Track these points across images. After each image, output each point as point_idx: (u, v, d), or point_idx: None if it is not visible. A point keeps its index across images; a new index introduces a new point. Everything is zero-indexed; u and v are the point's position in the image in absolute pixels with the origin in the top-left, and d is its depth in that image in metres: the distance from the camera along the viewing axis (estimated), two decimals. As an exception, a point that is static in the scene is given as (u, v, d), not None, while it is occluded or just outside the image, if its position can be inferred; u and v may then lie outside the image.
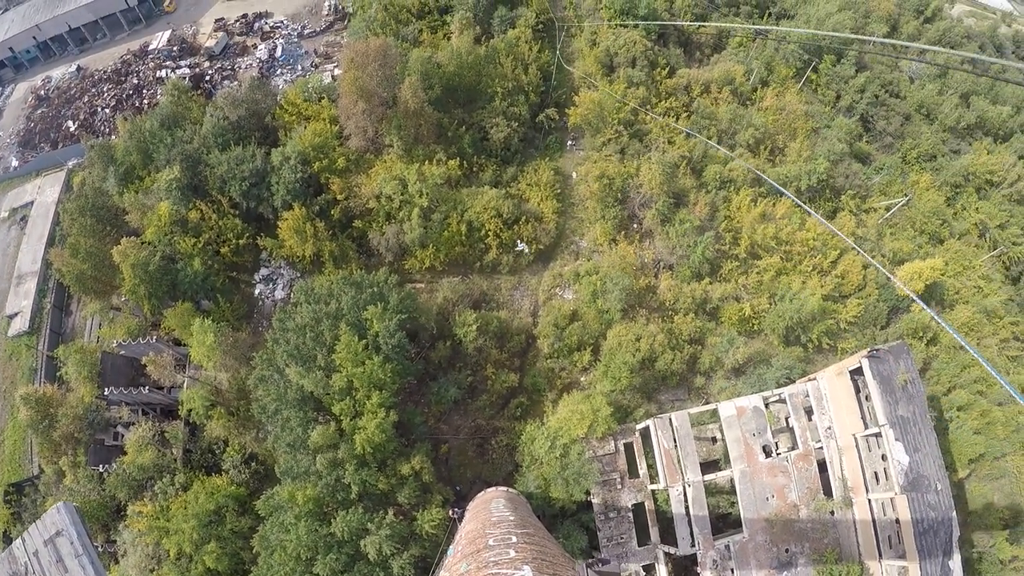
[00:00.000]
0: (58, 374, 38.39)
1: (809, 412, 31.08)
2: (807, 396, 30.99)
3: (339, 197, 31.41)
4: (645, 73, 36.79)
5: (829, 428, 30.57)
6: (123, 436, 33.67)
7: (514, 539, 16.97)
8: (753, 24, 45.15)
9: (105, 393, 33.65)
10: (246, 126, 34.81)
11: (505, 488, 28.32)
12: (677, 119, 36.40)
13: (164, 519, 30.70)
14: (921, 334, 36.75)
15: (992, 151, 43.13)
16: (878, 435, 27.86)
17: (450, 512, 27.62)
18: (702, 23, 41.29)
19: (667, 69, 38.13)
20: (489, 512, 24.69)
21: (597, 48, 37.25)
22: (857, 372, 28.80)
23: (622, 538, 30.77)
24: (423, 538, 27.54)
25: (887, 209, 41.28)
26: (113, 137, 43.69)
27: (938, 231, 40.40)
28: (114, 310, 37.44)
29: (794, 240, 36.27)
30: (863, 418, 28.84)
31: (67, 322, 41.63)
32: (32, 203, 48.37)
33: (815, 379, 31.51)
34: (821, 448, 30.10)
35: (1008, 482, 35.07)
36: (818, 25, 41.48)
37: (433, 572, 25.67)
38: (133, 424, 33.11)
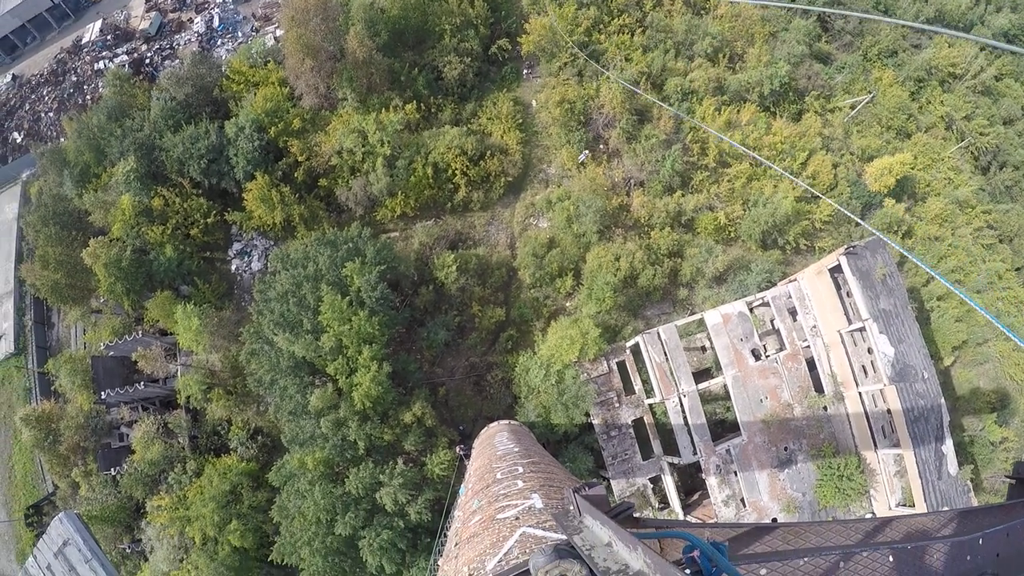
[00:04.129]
0: (53, 388, 38.19)
1: (793, 313, 31.63)
2: (790, 297, 31.47)
3: (300, 159, 30.79)
4: (596, -6, 35.79)
5: (814, 327, 31.15)
6: (128, 436, 33.78)
7: (520, 470, 17.21)
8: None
9: (102, 397, 33.58)
10: (195, 103, 33.78)
11: (507, 421, 28.73)
12: (632, 36, 35.63)
13: (183, 508, 31.07)
14: (896, 228, 37.19)
15: (952, 44, 42.80)
16: (862, 329, 28.40)
17: (457, 451, 28.08)
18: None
19: (617, -13, 37.07)
20: (494, 447, 25.09)
21: (542, -28, 36.09)
22: (836, 270, 29.15)
23: (626, 454, 31.54)
24: (435, 481, 28.11)
25: (852, 107, 41.14)
26: (62, 140, 42.34)
27: (905, 126, 40.56)
28: (95, 313, 37.00)
29: (762, 145, 36.06)
30: (846, 314, 29.35)
31: (51, 335, 41.17)
32: (-7, 223, 47.15)
33: (796, 280, 31.91)
34: (808, 347, 30.78)
35: (992, 367, 36.21)
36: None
37: (448, 512, 26.20)
38: (136, 422, 33.15)
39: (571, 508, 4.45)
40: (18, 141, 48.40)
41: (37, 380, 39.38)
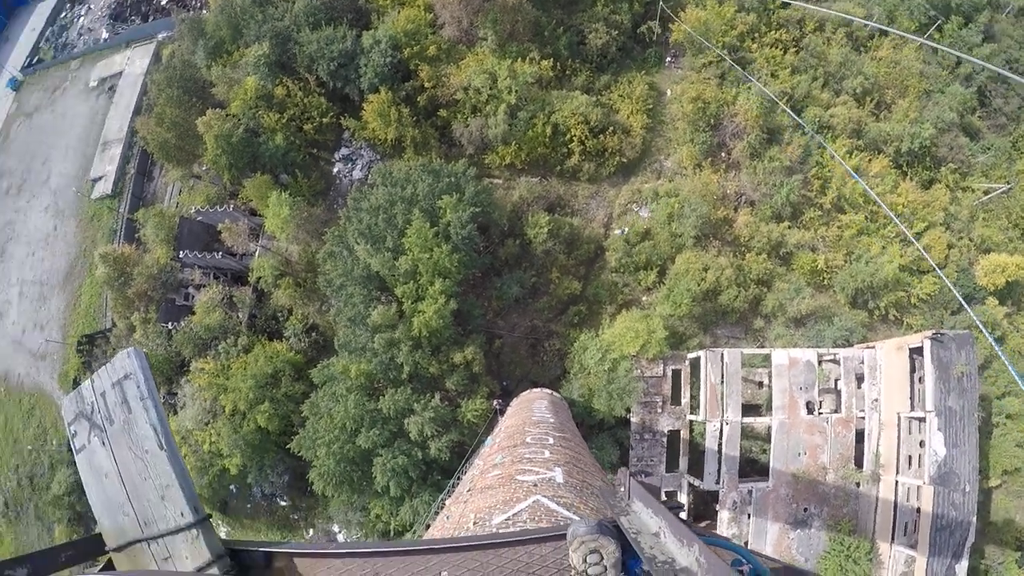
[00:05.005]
0: (136, 236, 40.42)
1: (860, 379, 30.44)
2: (862, 363, 30.21)
3: (427, 85, 31.06)
4: (759, 0, 34.49)
5: (876, 400, 29.91)
6: (193, 297, 35.44)
7: (551, 440, 17.10)
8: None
9: (180, 256, 35.28)
10: (339, 6, 34.49)
11: (550, 391, 28.68)
12: (785, 53, 34.20)
13: (224, 377, 32.48)
14: (991, 328, 34.77)
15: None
16: (922, 420, 27.18)
17: (494, 404, 28.22)
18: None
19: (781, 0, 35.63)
20: (531, 411, 25.08)
21: (710, -35, 34.98)
22: (917, 351, 27.89)
23: (652, 461, 31.09)
24: (464, 425, 28.38)
25: (985, 193, 38.47)
26: (204, 12, 44.14)
27: (1033, 229, 37.59)
28: (195, 178, 38.79)
29: (884, 201, 34.24)
30: (911, 399, 28.02)
31: (148, 187, 43.49)
32: (121, 74, 49.91)
33: (874, 348, 30.58)
34: (863, 418, 29.65)
35: (1035, 506, 33.61)
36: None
37: (468, 457, 26.45)
38: (204, 287, 34.76)
39: (621, 490, 4.39)
40: (162, 3, 50.86)
41: (124, 225, 41.77)
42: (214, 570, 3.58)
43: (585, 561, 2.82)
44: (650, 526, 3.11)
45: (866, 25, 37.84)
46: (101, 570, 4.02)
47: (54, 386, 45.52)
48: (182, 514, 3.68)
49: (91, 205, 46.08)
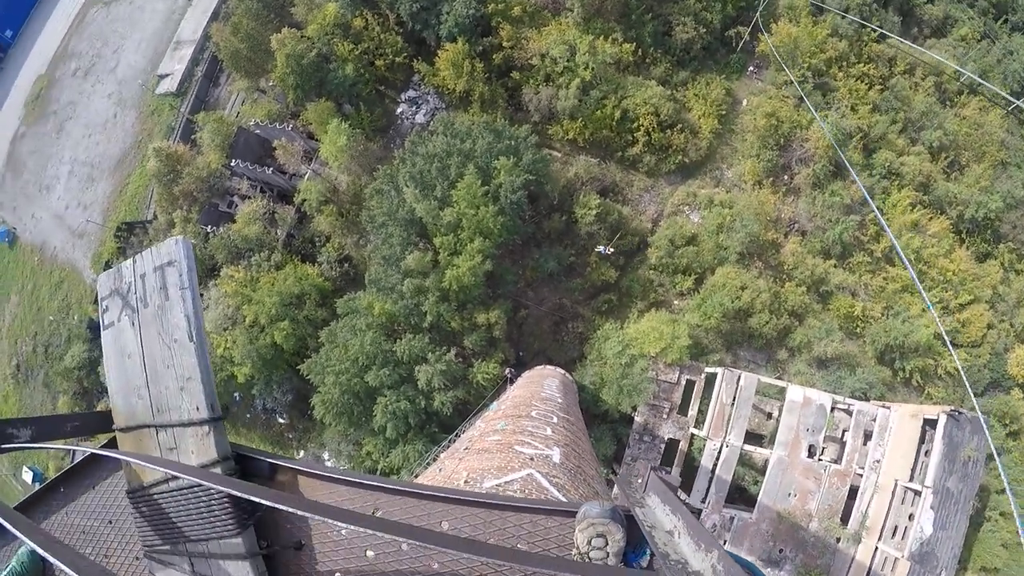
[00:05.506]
0: (192, 137, 41.09)
1: (867, 436, 30.08)
2: (873, 420, 29.87)
3: (505, 44, 30.87)
4: (854, 28, 33.49)
5: (877, 461, 29.60)
6: (237, 206, 36.10)
7: (555, 420, 17.23)
8: (983, 23, 39.93)
9: (232, 164, 35.85)
10: (434, -51, 34.24)
11: (563, 372, 28.87)
12: (869, 89, 33.31)
13: (251, 289, 33.18)
14: (1008, 421, 34.00)
15: None
16: (918, 493, 26.92)
17: (506, 372, 28.51)
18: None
19: (878, 32, 34.58)
20: (541, 387, 25.27)
21: (813, -19, 34.07)
22: (931, 423, 27.52)
23: (645, 463, 31.28)
24: (472, 385, 28.74)
25: (1039, 281, 37.22)
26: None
27: (1081, 330, 36.32)
28: (259, 92, 39.25)
29: (934, 264, 33.55)
30: (913, 469, 27.70)
31: (212, 93, 44.10)
32: (205, -23, 50.26)
33: (889, 408, 30.14)
34: (861, 475, 29.25)
35: (1005, 612, 33.11)
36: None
37: (470, 419, 26.79)
38: (249, 198, 35.37)
39: (638, 481, 4.31)
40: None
41: (183, 124, 42.51)
42: (217, 469, 3.55)
43: (590, 543, 2.79)
44: (664, 523, 3.00)
45: (957, 78, 36.66)
46: (103, 447, 4.00)
47: (86, 265, 46.94)
48: (197, 408, 3.60)
49: (154, 100, 46.93)
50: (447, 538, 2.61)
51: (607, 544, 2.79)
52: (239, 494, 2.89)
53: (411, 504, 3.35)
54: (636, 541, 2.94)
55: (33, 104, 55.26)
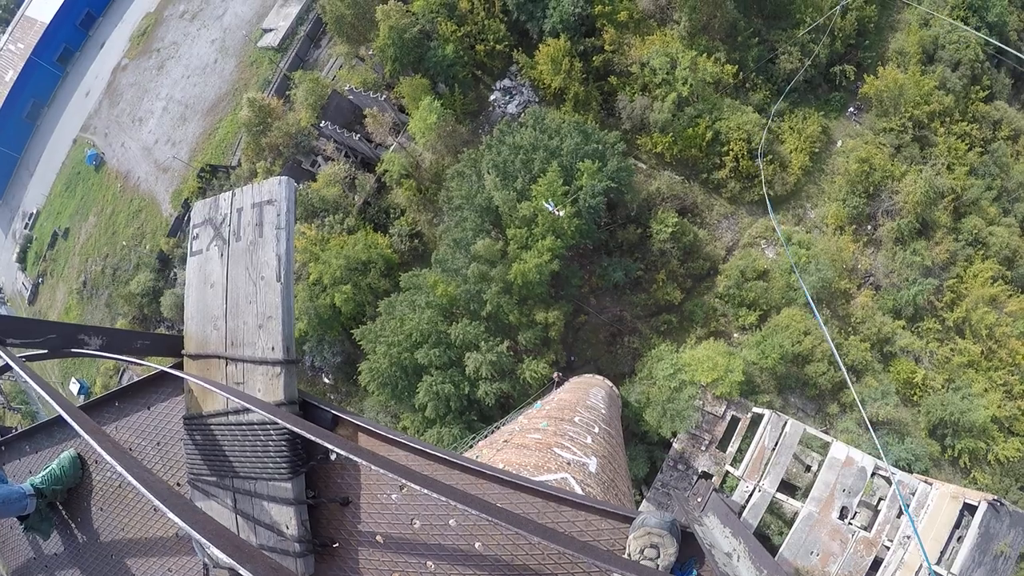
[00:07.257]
0: (287, 93, 42.59)
1: (901, 510, 28.92)
2: (912, 495, 28.64)
3: (607, 47, 30.92)
4: (962, 84, 32.09)
5: (908, 537, 28.36)
6: (319, 166, 37.37)
7: (596, 430, 17.26)
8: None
9: (321, 125, 37.04)
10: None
11: (611, 384, 28.89)
12: (969, 150, 31.94)
13: (320, 248, 34.28)
14: None
15: None
16: None
17: (555, 375, 28.76)
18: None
19: (987, 92, 33.05)
20: (587, 395, 25.35)
21: (926, 31, 32.74)
22: (969, 508, 26.27)
23: (675, 492, 31.05)
24: (518, 381, 29.04)
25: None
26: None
27: None
28: (358, 59, 40.37)
29: (1006, 344, 32.04)
30: (941, 553, 26.43)
31: (312, 53, 45.61)
32: (320, -61, 51.78)
33: (931, 485, 28.87)
34: (888, 548, 28.17)
35: None
36: None
37: (511, 411, 27.11)
38: (332, 160, 36.53)
39: (697, 500, 4.11)
40: None
41: (279, 79, 44.14)
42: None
43: (642, 552, 2.74)
44: (723, 545, 2.90)
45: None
46: (172, 366, 3.99)
47: (165, 199, 49.46)
48: (273, 348, 3.53)
49: (255, 51, 48.86)
50: (530, 523, 2.55)
51: (659, 556, 2.71)
52: (315, 439, 2.82)
53: (468, 481, 3.21)
54: (684, 559, 2.86)
55: (138, 39, 58.25)
